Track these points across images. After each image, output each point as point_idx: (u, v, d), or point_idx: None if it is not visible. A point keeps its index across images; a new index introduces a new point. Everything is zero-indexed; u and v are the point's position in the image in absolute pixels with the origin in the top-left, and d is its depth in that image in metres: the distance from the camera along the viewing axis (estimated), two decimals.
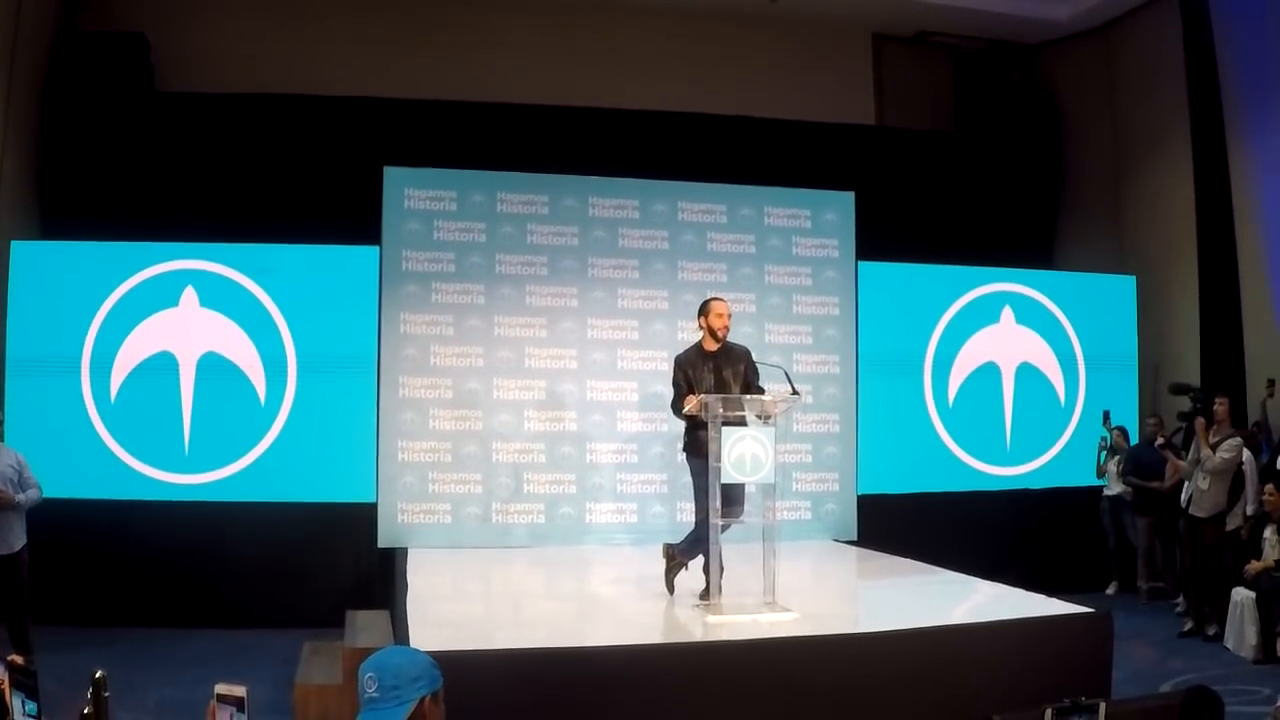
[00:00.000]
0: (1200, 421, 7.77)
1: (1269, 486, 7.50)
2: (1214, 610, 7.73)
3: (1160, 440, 8.80)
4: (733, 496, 5.85)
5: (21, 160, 8.44)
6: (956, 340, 9.56)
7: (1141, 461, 9.08)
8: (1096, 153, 10.88)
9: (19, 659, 2.76)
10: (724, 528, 5.71)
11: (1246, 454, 7.95)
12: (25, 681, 2.67)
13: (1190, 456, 7.96)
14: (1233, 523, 7.89)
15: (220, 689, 2.52)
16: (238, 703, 2.49)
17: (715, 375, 5.98)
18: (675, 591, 6.19)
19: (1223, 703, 3.28)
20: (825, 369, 9.19)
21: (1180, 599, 8.49)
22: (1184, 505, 7.98)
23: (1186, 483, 7.99)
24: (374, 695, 2.27)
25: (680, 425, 6.24)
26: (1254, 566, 7.36)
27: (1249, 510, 7.97)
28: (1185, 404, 8.10)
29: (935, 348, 9.50)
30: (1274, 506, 7.41)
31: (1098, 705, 2.78)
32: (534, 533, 8.52)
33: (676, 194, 8.99)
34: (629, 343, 8.79)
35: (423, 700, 2.29)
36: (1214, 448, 7.70)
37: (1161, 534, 9.09)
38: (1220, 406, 7.86)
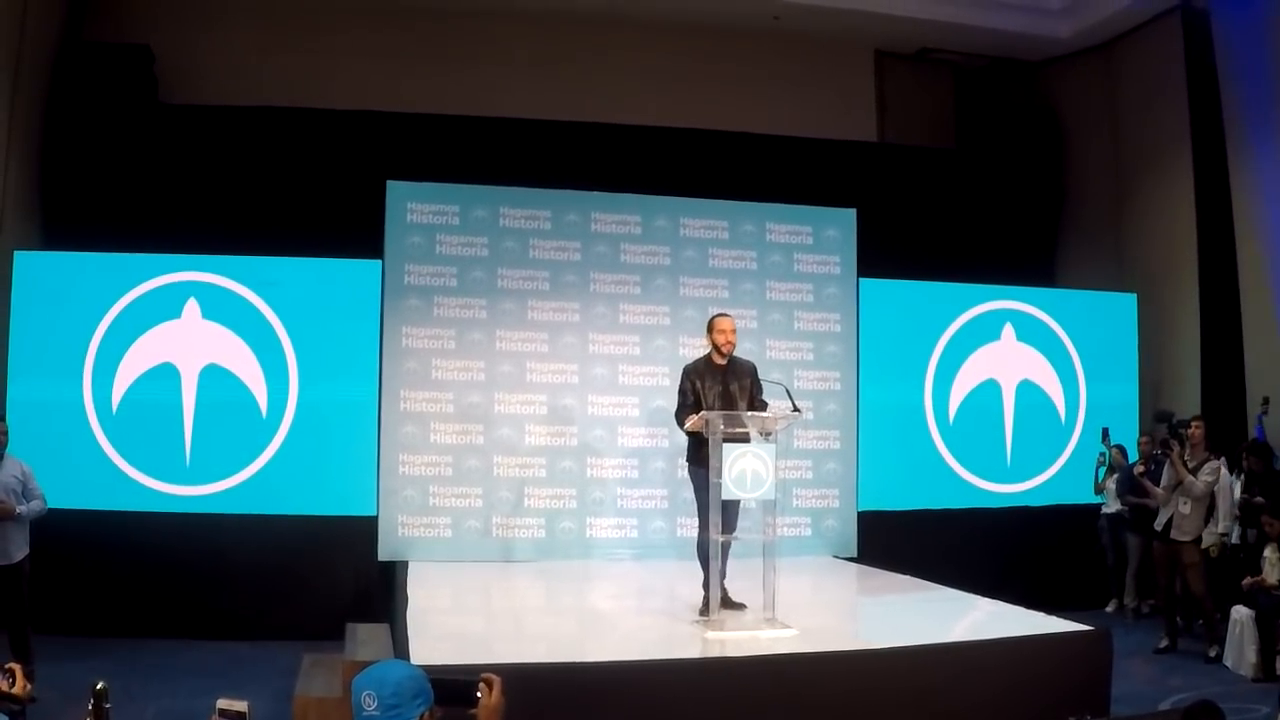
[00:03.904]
0: (1175, 448, 7.71)
1: (1265, 517, 7.50)
2: (1209, 629, 7.72)
3: (1140, 469, 8.79)
4: (728, 515, 5.85)
5: (25, 170, 8.46)
6: (957, 357, 9.56)
7: (1137, 480, 9.05)
8: (1098, 170, 10.89)
9: (16, 667, 2.76)
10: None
11: (1221, 475, 7.93)
12: (12, 707, 2.66)
13: (1165, 482, 7.88)
14: (1206, 539, 7.90)
15: (222, 704, 2.50)
16: (239, 718, 2.49)
17: (722, 388, 6.01)
18: (733, 598, 6.03)
19: (1224, 715, 3.28)
20: (826, 385, 9.19)
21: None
22: (1159, 529, 7.91)
23: (1163, 508, 7.91)
24: (373, 713, 2.26)
25: (683, 437, 6.25)
26: (1250, 581, 7.35)
27: (1219, 528, 7.99)
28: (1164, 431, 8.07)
29: (936, 364, 9.50)
30: (1276, 533, 7.41)
31: None
32: (535, 547, 8.51)
33: (678, 210, 9.01)
34: (630, 358, 8.79)
35: (421, 718, 2.29)
36: (1193, 471, 7.65)
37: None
38: (1196, 430, 7.82)
